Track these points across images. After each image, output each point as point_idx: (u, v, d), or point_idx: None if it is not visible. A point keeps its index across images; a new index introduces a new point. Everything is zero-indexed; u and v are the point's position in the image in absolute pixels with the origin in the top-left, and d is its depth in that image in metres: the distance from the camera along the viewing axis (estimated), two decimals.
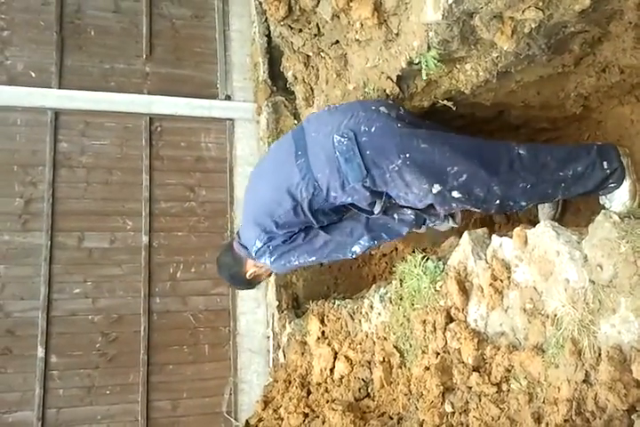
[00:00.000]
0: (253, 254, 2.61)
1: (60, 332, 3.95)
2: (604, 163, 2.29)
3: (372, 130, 2.30)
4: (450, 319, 2.21)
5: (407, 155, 2.22)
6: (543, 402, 1.74)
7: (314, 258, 2.63)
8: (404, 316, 2.52)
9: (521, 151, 2.29)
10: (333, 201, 2.39)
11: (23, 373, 3.84)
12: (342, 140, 2.27)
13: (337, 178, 2.30)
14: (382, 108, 2.41)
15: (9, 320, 3.86)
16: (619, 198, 2.33)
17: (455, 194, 2.24)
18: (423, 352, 2.35)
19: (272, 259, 2.58)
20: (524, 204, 2.33)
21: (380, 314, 2.77)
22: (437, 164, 2.22)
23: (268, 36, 4.37)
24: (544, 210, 2.78)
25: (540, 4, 1.85)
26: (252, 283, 2.92)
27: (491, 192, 2.24)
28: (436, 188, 2.23)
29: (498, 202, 2.28)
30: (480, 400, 2.00)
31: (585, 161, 2.28)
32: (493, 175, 2.23)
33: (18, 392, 3.81)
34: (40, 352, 3.86)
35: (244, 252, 2.69)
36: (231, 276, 2.88)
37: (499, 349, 1.96)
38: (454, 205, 2.30)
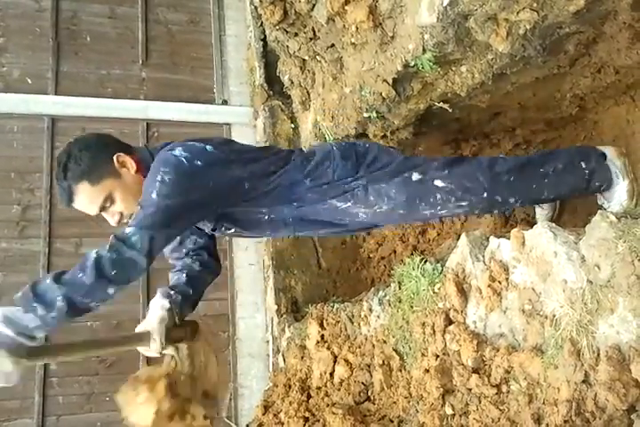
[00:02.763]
0: None
1: (59, 339, 3.94)
2: (582, 163, 2.31)
3: (367, 145, 2.36)
4: (449, 321, 2.21)
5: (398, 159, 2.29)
6: (543, 403, 1.74)
7: None
8: (403, 318, 2.52)
9: (501, 155, 2.40)
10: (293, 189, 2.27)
11: (22, 380, 3.82)
12: (341, 142, 2.30)
13: (324, 170, 2.26)
14: None
15: None
16: (617, 198, 2.34)
17: (438, 183, 2.23)
18: (423, 355, 2.35)
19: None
20: (512, 201, 2.29)
21: (378, 317, 2.76)
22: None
23: (264, 40, 4.37)
24: (541, 211, 2.78)
25: (535, 5, 1.86)
26: (106, 172, 2.03)
27: (478, 182, 2.23)
28: (416, 176, 2.23)
29: (485, 195, 2.23)
30: (480, 402, 1.99)
31: (564, 159, 2.31)
32: (477, 168, 2.25)
33: (17, 400, 3.80)
34: None
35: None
36: (87, 147, 2.04)
37: (498, 350, 1.95)
38: (439, 196, 2.24)
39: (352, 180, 2.25)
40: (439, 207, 2.25)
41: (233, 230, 2.36)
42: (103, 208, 2.07)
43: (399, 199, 2.24)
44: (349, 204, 2.27)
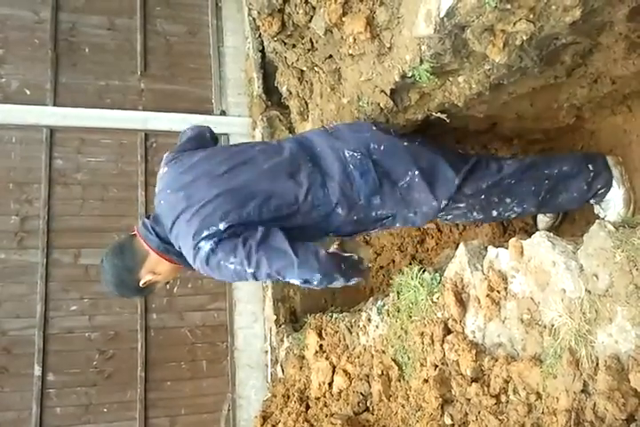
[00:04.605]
0: (200, 237, 2.01)
1: (57, 350, 3.93)
2: (590, 165, 2.36)
3: (382, 148, 2.31)
4: (447, 331, 2.20)
5: (416, 172, 2.26)
6: (542, 413, 1.73)
7: None
8: (402, 328, 2.51)
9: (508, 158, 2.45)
10: (329, 221, 2.24)
11: (20, 391, 3.81)
12: (355, 154, 2.24)
13: (349, 192, 2.20)
14: (381, 127, 2.47)
15: (5, 338, 3.84)
16: (613, 207, 2.35)
17: (467, 191, 2.30)
18: (421, 365, 2.34)
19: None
20: (508, 201, 2.34)
21: (377, 327, 2.76)
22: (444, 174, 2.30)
23: (262, 51, 4.39)
24: (543, 218, 2.79)
25: (531, 16, 1.87)
26: (143, 291, 2.33)
27: (483, 184, 2.33)
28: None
29: (483, 197, 2.31)
30: (479, 412, 1.98)
31: (570, 161, 2.36)
32: (486, 173, 2.33)
33: (14, 411, 3.78)
34: (37, 371, 3.84)
35: (154, 243, 2.18)
36: (119, 283, 2.25)
37: (497, 360, 1.95)
38: (462, 205, 2.32)
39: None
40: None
41: None
42: None
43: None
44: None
